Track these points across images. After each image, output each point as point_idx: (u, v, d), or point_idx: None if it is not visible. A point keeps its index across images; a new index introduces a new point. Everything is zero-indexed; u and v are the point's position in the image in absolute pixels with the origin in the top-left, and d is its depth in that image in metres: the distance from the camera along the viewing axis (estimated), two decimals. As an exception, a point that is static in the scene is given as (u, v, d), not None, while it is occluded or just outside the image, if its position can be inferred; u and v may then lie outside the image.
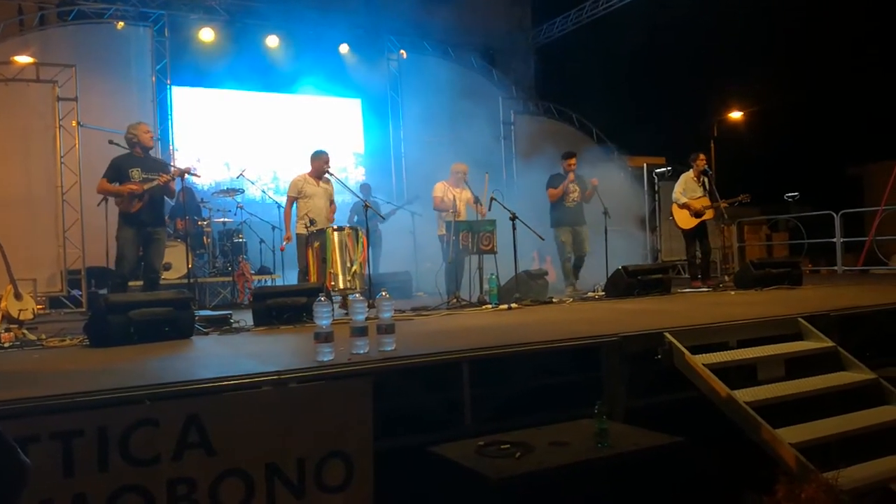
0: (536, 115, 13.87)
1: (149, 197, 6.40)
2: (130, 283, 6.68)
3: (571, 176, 8.58)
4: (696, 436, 3.51)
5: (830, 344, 4.71)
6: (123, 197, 6.33)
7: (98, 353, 4.68)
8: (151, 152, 6.94)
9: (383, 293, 4.24)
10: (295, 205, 7.59)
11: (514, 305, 6.96)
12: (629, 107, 11.40)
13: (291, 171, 11.32)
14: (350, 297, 6.50)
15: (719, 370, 4.20)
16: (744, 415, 3.91)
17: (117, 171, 6.39)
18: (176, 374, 3.54)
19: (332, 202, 7.86)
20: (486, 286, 7.40)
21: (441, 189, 8.22)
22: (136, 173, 6.37)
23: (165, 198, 6.75)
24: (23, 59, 9.53)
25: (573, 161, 8.68)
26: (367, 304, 4.30)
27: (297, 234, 7.56)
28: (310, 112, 12.61)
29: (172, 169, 6.87)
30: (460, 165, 8.36)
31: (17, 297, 6.80)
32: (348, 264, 6.90)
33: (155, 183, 6.41)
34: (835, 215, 11.15)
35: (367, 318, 4.05)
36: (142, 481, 2.92)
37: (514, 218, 7.49)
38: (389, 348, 3.97)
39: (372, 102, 13.35)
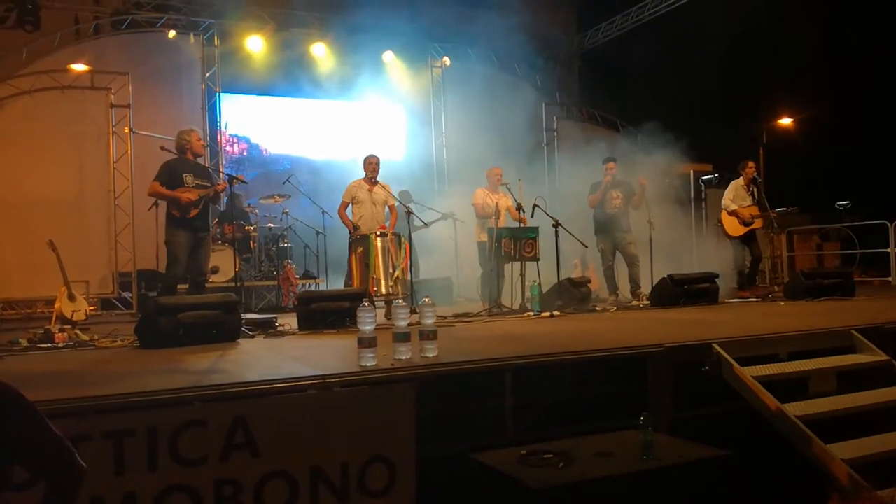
0: (580, 122, 13.76)
1: (204, 203, 6.50)
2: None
3: (608, 178, 8.48)
4: (744, 449, 3.43)
5: (885, 357, 4.57)
6: (181, 202, 6.36)
7: (148, 354, 4.78)
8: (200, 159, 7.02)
9: (426, 299, 4.25)
10: (350, 209, 7.70)
11: (556, 313, 6.91)
12: (675, 113, 11.23)
13: (336, 176, 11.46)
14: (393, 303, 6.54)
15: (769, 383, 4.11)
16: (794, 429, 3.81)
17: (171, 176, 6.43)
18: (223, 377, 3.60)
19: (392, 209, 7.89)
20: (528, 293, 7.37)
21: (481, 195, 8.23)
22: (189, 178, 6.45)
23: (210, 203, 6.84)
24: (78, 67, 9.83)
25: (612, 165, 8.59)
26: (409, 310, 4.31)
27: (349, 240, 7.65)
28: (354, 118, 12.73)
29: (225, 178, 7.02)
30: (495, 169, 8.35)
31: (71, 298, 7.02)
32: (391, 270, 6.94)
33: (212, 190, 6.54)
34: (889, 224, 10.83)
35: (409, 324, 4.07)
36: (189, 481, 2.97)
37: (556, 225, 7.44)
38: (432, 354, 3.98)
39: (415, 109, 13.42)
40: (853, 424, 3.99)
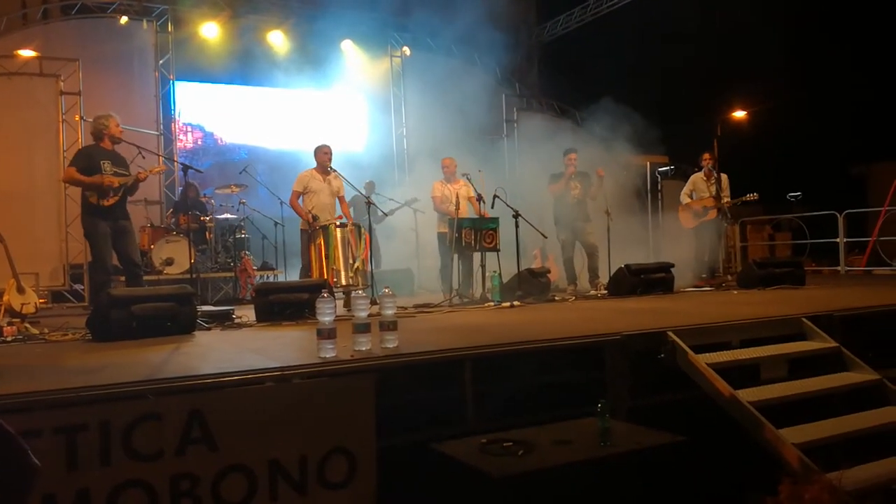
0: (540, 113, 13.85)
1: (122, 192, 6.31)
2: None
3: (571, 170, 8.53)
4: (699, 435, 3.50)
5: (834, 344, 4.69)
6: (102, 186, 6.15)
7: (100, 347, 4.67)
8: (151, 146, 6.84)
9: (386, 290, 4.23)
10: (301, 200, 7.59)
11: (516, 303, 6.95)
12: (632, 105, 11.38)
13: (294, 166, 11.31)
14: (353, 294, 6.51)
15: (722, 370, 4.19)
16: (747, 414, 3.90)
17: (88, 162, 6.21)
18: (178, 370, 3.54)
19: (343, 199, 7.81)
20: (488, 284, 7.40)
21: (438, 188, 8.22)
22: (107, 166, 6.23)
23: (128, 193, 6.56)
24: (26, 53, 9.54)
25: (574, 156, 8.64)
26: (369, 301, 4.29)
27: (300, 230, 7.56)
28: (313, 108, 12.61)
29: (180, 166, 6.87)
30: (447, 160, 8.35)
31: (20, 290, 6.81)
32: (350, 261, 6.90)
33: (131, 178, 6.34)
34: (838, 215, 11.13)
35: (369, 315, 4.04)
36: (144, 476, 2.91)
37: (517, 216, 7.48)
38: (392, 345, 3.96)
39: (375, 99, 13.34)
40: (803, 409, 4.09)
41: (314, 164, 7.74)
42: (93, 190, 6.18)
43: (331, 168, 7.67)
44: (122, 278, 6.62)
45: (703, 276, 8.96)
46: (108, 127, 6.38)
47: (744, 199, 8.88)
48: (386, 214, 9.16)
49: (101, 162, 6.23)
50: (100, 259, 6.26)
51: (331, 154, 7.67)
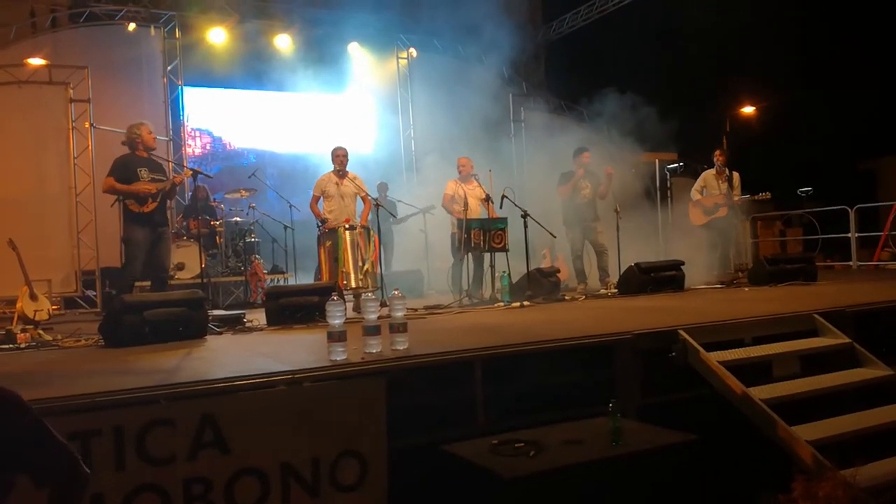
0: (547, 112, 13.81)
1: (161, 197, 6.37)
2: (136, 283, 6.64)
3: (581, 171, 8.49)
4: (711, 434, 3.49)
5: (846, 340, 4.66)
6: (137, 197, 6.21)
7: (113, 353, 4.70)
8: (160, 152, 6.85)
9: (396, 292, 4.24)
10: (321, 203, 7.57)
11: (525, 303, 6.95)
12: (640, 102, 11.35)
13: (302, 169, 11.35)
14: (363, 297, 6.50)
15: (734, 367, 4.17)
16: (759, 412, 3.88)
17: (125, 171, 6.26)
18: (190, 374, 3.55)
19: (365, 200, 7.71)
20: (497, 284, 7.39)
21: (452, 187, 8.18)
22: (144, 173, 6.28)
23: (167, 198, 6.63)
24: (35, 62, 9.61)
25: (587, 156, 8.59)
26: (379, 303, 4.29)
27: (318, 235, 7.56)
28: (320, 110, 12.64)
29: (183, 170, 6.92)
30: (463, 160, 8.32)
31: (33, 297, 6.87)
32: (360, 263, 6.90)
33: (168, 183, 6.39)
34: (849, 210, 11.05)
35: (379, 317, 4.05)
36: (158, 481, 2.93)
37: (525, 215, 7.47)
38: (402, 347, 3.97)
39: (382, 100, 13.37)
40: (817, 406, 4.07)
41: (323, 167, 7.73)
42: (131, 198, 6.23)
43: (345, 170, 7.62)
44: (144, 284, 6.67)
45: (714, 273, 8.91)
46: (140, 136, 6.40)
47: (756, 197, 8.84)
48: (395, 216, 9.16)
49: (138, 170, 6.27)
50: (130, 266, 6.30)
51: (343, 156, 7.62)
